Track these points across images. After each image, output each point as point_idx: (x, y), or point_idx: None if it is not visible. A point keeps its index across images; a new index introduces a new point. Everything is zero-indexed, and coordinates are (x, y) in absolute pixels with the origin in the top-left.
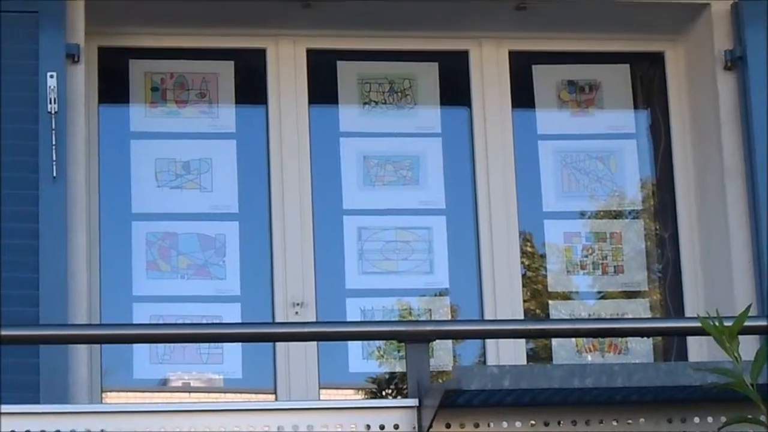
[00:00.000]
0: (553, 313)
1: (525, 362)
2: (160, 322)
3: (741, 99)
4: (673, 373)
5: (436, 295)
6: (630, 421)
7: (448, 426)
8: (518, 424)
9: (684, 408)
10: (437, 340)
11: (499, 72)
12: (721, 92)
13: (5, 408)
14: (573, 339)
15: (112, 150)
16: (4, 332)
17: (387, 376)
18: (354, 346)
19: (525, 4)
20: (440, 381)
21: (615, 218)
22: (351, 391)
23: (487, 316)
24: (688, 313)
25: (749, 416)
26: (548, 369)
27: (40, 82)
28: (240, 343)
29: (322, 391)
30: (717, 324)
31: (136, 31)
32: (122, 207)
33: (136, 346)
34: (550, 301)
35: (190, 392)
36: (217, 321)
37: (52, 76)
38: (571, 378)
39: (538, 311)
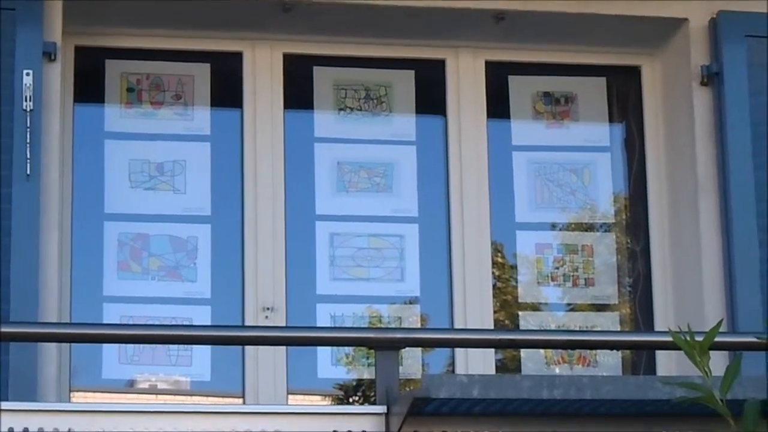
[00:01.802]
0: (523, 324)
1: (494, 373)
2: (130, 322)
3: (716, 114)
4: (641, 387)
5: (406, 303)
6: None
7: None
8: None
9: (652, 422)
10: (406, 348)
11: (475, 81)
12: (697, 107)
13: None
14: (542, 351)
15: (87, 149)
16: None
17: (355, 383)
18: (323, 352)
19: (503, 15)
20: (409, 389)
21: (587, 231)
22: (319, 397)
23: (456, 326)
24: (657, 328)
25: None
26: (517, 379)
27: (16, 80)
28: (209, 346)
29: (290, 397)
30: (688, 338)
31: (113, 32)
32: (95, 207)
33: (105, 346)
34: (519, 312)
35: (158, 394)
36: (187, 323)
37: (28, 74)
38: (539, 389)
39: (507, 322)
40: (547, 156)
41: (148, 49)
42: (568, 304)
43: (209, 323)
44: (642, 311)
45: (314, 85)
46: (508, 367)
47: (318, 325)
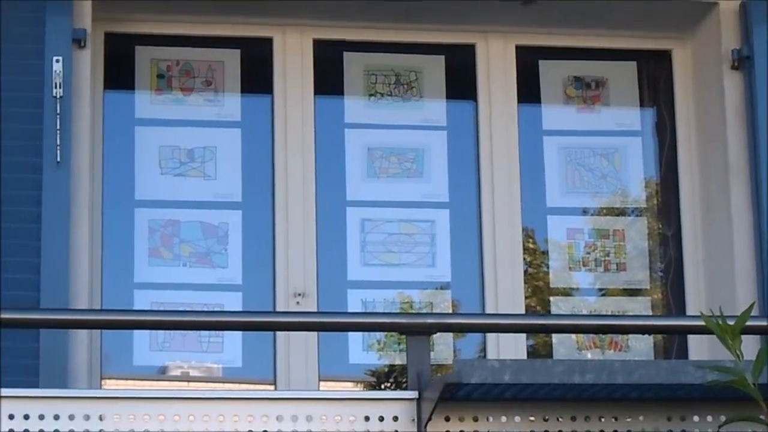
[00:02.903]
0: (554, 310)
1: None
2: (161, 309)
3: (747, 98)
4: (673, 371)
5: (437, 289)
6: (629, 419)
7: (447, 419)
8: (517, 418)
9: (684, 406)
10: (438, 334)
11: (505, 66)
12: (728, 91)
13: (4, 392)
14: (573, 336)
15: (117, 136)
16: (4, 316)
17: (386, 369)
18: (354, 338)
19: None
20: (440, 374)
21: (618, 216)
22: (350, 383)
23: (488, 312)
24: (689, 313)
25: (750, 415)
26: (549, 364)
27: (46, 67)
28: (240, 332)
29: (322, 383)
30: (720, 322)
31: (143, 18)
32: (125, 193)
33: (136, 333)
34: (551, 298)
35: (189, 381)
36: (218, 309)
37: (58, 61)
38: (571, 374)
39: (539, 307)
40: (578, 140)
41: (179, 35)
42: (600, 290)
43: (240, 309)
44: (674, 296)
45: (344, 70)
46: (539, 352)
47: (349, 310)
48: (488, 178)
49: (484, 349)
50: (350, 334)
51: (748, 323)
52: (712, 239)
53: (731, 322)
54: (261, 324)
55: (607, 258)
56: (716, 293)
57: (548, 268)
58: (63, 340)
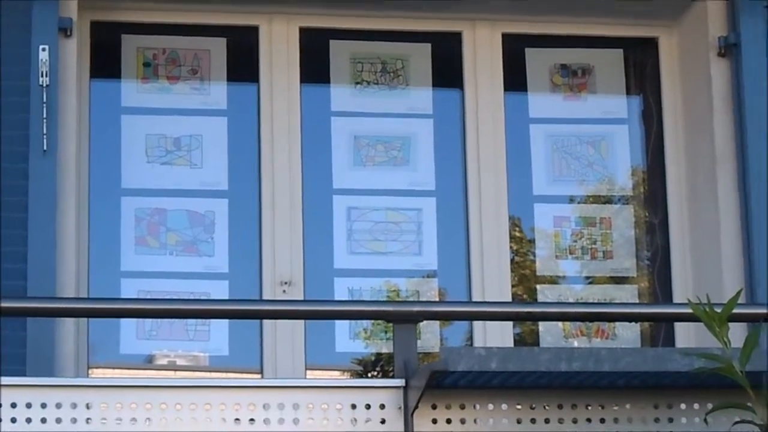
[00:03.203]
0: (541, 298)
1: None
2: (148, 297)
3: (734, 86)
4: (660, 359)
5: (424, 277)
6: (616, 407)
7: (434, 407)
8: (504, 406)
9: (671, 394)
10: (425, 322)
11: (492, 54)
12: (714, 79)
13: None
14: (560, 324)
15: (103, 125)
16: (5, 304)
17: (373, 357)
18: (341, 326)
19: None
20: (427, 363)
21: (605, 203)
22: (337, 372)
23: (474, 300)
24: (676, 301)
25: (737, 402)
26: (535, 352)
27: (32, 56)
28: (227, 321)
29: (309, 371)
30: (707, 309)
31: (129, 6)
32: (112, 182)
33: (123, 321)
34: (537, 286)
35: (176, 369)
36: (205, 298)
37: (44, 50)
38: (558, 361)
39: (525, 296)
40: (565, 128)
41: (165, 24)
42: (587, 278)
43: (227, 298)
44: (660, 284)
45: (331, 58)
46: (526, 341)
47: (336, 299)
48: (475, 166)
49: (470, 338)
50: (337, 322)
51: (735, 310)
52: (699, 227)
53: (718, 310)
54: (247, 312)
55: (593, 246)
56: (703, 281)
57: (535, 256)
58: (50, 329)
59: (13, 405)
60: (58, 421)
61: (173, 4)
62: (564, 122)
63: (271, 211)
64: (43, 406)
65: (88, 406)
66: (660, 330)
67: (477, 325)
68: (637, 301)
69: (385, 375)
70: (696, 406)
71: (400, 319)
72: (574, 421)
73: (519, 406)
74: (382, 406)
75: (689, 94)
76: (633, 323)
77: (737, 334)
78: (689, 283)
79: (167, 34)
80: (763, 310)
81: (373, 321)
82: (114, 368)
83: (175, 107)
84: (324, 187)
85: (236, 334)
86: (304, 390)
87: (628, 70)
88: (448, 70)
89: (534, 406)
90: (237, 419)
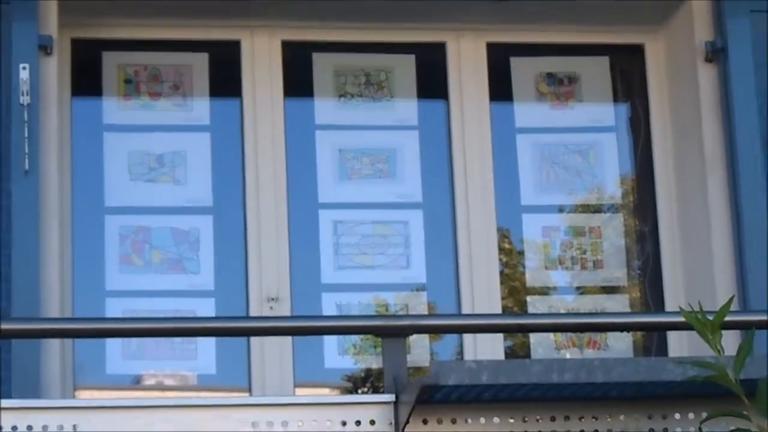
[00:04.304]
0: (531, 310)
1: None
2: (133, 317)
3: (722, 91)
4: (653, 368)
5: (413, 291)
6: (609, 418)
7: (425, 422)
8: (496, 419)
9: (665, 404)
10: (414, 336)
11: (476, 64)
12: (702, 84)
13: None
14: (551, 336)
15: (85, 143)
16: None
17: (363, 373)
18: (330, 342)
19: None
20: (417, 377)
21: (594, 213)
22: (326, 389)
23: (464, 312)
24: (668, 309)
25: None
26: (527, 364)
27: (13, 74)
28: (214, 339)
29: (297, 389)
30: (699, 317)
31: (109, 23)
32: (95, 200)
33: (108, 341)
34: (528, 298)
35: (162, 389)
36: (191, 316)
37: (24, 68)
38: (549, 373)
39: (515, 308)
40: (552, 138)
41: (146, 40)
42: (577, 288)
43: (213, 315)
44: (652, 293)
45: (314, 71)
46: (517, 354)
47: (324, 314)
48: (461, 177)
49: (461, 351)
50: (325, 338)
51: (728, 318)
52: (690, 235)
53: (710, 317)
54: (235, 330)
55: (583, 256)
56: (695, 289)
57: (524, 267)
58: (35, 350)
59: None
60: None
61: (154, 20)
62: (551, 131)
63: (256, 227)
64: (29, 428)
65: (74, 428)
66: (652, 339)
67: (467, 338)
68: (629, 311)
69: (375, 391)
70: (691, 415)
71: (390, 333)
72: None
73: (511, 420)
74: (373, 422)
75: (677, 101)
76: (625, 333)
77: (731, 341)
78: (681, 291)
79: (148, 50)
80: (755, 317)
81: (362, 336)
82: (100, 389)
83: (158, 124)
84: (309, 201)
85: (224, 352)
86: (294, 407)
87: (614, 77)
88: (432, 81)
89: (526, 418)
90: None
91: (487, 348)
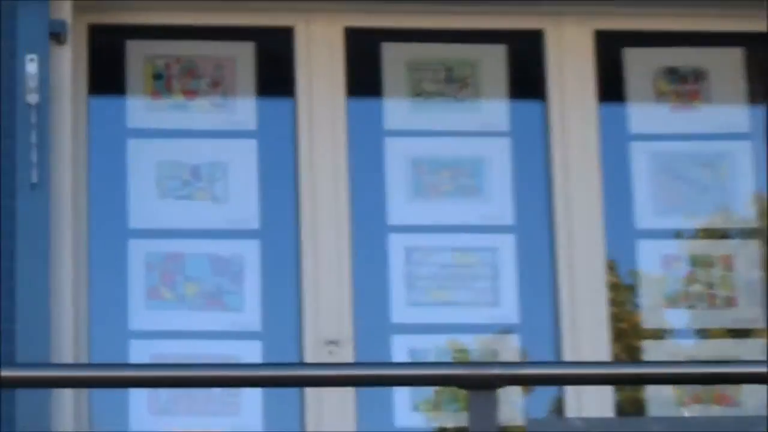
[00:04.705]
0: (645, 357)
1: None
2: (162, 362)
3: None
4: None
5: (501, 333)
6: None
7: None
8: None
9: None
10: (505, 388)
11: (581, 57)
12: None
13: None
14: (671, 389)
15: (106, 151)
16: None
17: None
18: (401, 395)
19: None
20: None
21: (723, 238)
22: None
23: (565, 359)
24: None
25: None
26: (645, 422)
27: (18, 68)
28: (260, 390)
29: None
30: None
31: (135, 6)
32: (117, 221)
33: (132, 392)
34: (641, 342)
35: None
36: (233, 362)
37: (32, 61)
38: None
39: (625, 354)
40: (674, 146)
41: (178, 27)
42: (702, 330)
43: (260, 361)
44: None
45: (383, 65)
46: (627, 410)
47: (393, 360)
48: (562, 195)
49: (559, 407)
50: (395, 390)
51: None
52: None
53: None
54: (286, 379)
55: (710, 291)
56: None
57: (637, 305)
58: (45, 402)
59: None
60: None
61: (188, 1)
62: (672, 139)
63: (312, 255)
64: None
65: None
66: None
67: (568, 390)
68: (766, 357)
69: None
70: None
71: (476, 384)
72: None
73: None
74: None
75: None
76: (761, 386)
77: None
78: None
79: (182, 39)
80: None
81: (440, 388)
82: None
83: (193, 128)
84: (377, 223)
85: (272, 406)
86: None
87: (750, 73)
88: (527, 77)
89: None
90: None
91: (592, 401)
